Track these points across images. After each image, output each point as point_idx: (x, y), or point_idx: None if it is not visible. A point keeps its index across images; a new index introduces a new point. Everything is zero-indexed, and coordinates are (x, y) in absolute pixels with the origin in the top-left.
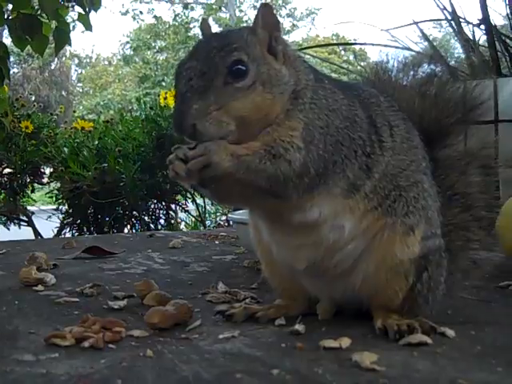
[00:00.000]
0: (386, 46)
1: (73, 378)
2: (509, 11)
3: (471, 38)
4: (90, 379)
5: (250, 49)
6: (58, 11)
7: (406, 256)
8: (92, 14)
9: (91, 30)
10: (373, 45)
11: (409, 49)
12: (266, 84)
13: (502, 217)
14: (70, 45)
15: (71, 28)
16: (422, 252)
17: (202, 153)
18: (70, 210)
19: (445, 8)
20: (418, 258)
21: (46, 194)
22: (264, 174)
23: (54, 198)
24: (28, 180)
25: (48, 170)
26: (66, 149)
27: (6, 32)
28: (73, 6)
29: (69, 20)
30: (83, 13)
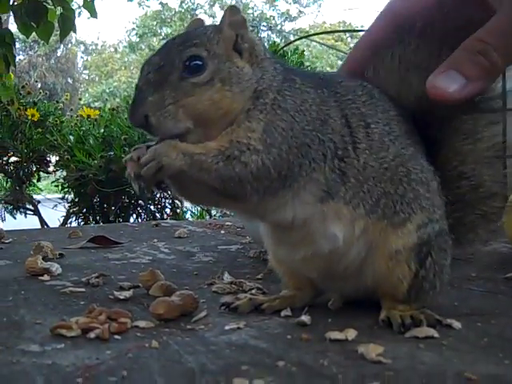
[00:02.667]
0: None
1: (79, 369)
2: None
3: None
4: (95, 370)
5: (212, 45)
6: None
7: (402, 246)
8: (97, 1)
9: (96, 17)
10: None
11: None
12: (226, 81)
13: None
14: (74, 32)
15: (77, 15)
16: (420, 239)
17: (153, 157)
18: (76, 199)
19: None
20: (416, 245)
21: (52, 182)
22: (217, 175)
23: (60, 187)
24: (34, 169)
25: (54, 159)
26: (71, 137)
27: (11, 19)
28: None
29: (74, 6)
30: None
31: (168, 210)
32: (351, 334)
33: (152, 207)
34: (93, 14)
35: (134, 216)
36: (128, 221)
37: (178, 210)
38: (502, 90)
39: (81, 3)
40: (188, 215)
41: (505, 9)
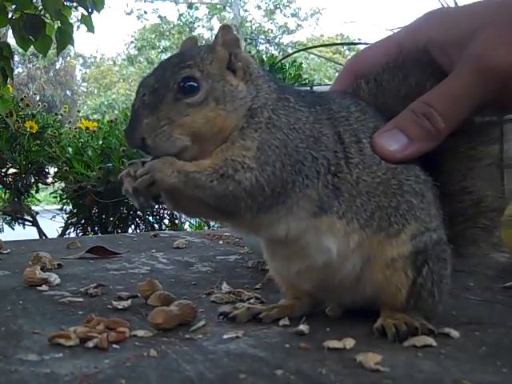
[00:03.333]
0: None
1: (77, 378)
2: None
3: None
4: (93, 379)
5: (205, 65)
6: (62, 12)
7: (397, 255)
8: (96, 14)
9: (93, 32)
10: None
11: None
12: (220, 100)
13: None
14: (72, 45)
15: (76, 28)
16: (415, 248)
17: (147, 171)
18: (75, 210)
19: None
20: (412, 253)
21: (51, 193)
22: (212, 192)
23: (59, 198)
24: (32, 180)
25: (52, 170)
26: (70, 149)
27: (10, 32)
28: (76, 7)
29: (73, 20)
30: (86, 14)
31: (166, 221)
32: (349, 342)
33: (150, 218)
34: (90, 28)
35: (133, 227)
36: (126, 231)
37: (177, 221)
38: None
39: (79, 17)
40: (186, 226)
41: (455, 74)
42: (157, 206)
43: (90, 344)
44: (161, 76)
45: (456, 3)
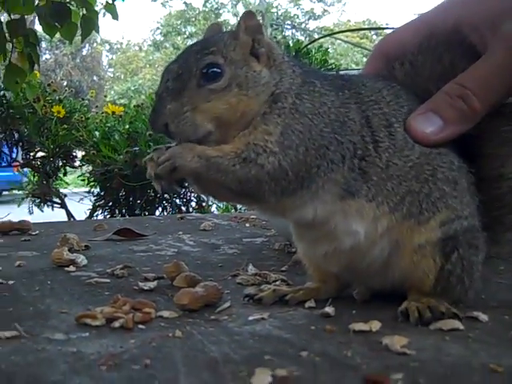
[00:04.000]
0: None
1: (102, 357)
2: None
3: None
4: (119, 358)
5: (228, 52)
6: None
7: (425, 241)
8: (121, 2)
9: (117, 19)
10: None
11: None
12: (243, 85)
13: None
14: (97, 32)
15: (101, 15)
16: (444, 234)
17: (168, 157)
18: (102, 193)
19: None
20: (440, 239)
21: (78, 177)
22: (234, 177)
23: (86, 181)
24: (60, 163)
25: (80, 154)
26: (97, 133)
27: (37, 19)
28: None
29: (99, 7)
30: (110, 2)
31: (194, 204)
32: (375, 325)
33: (178, 201)
34: (114, 16)
35: (160, 209)
36: (154, 214)
37: (204, 204)
38: None
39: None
40: (214, 208)
41: (489, 55)
42: (183, 190)
43: (116, 324)
44: (184, 62)
45: None
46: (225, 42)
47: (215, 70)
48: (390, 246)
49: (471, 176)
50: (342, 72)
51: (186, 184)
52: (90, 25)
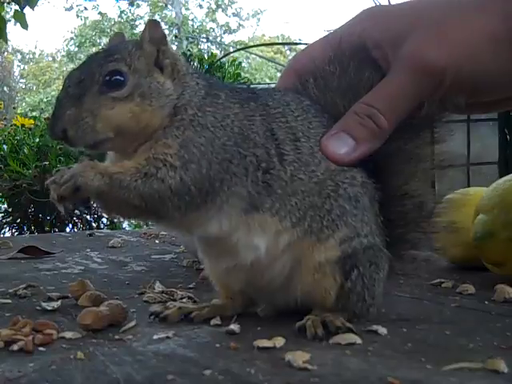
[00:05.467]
0: None
1: None
2: None
3: None
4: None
5: (132, 60)
6: None
7: (325, 259)
8: (33, 10)
9: (27, 29)
10: None
11: None
12: (146, 96)
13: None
14: (5, 41)
15: (13, 23)
16: (343, 253)
17: (70, 177)
18: (10, 209)
19: None
20: (340, 258)
21: None
22: (137, 193)
23: None
24: None
25: None
26: (5, 146)
27: None
28: (9, 2)
29: (9, 16)
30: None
31: (105, 220)
32: (280, 341)
33: (88, 217)
34: (23, 25)
35: (70, 226)
36: (64, 231)
37: (116, 220)
38: None
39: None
40: (125, 225)
41: (392, 75)
42: (95, 205)
43: (15, 347)
44: (87, 68)
45: (389, 2)
46: (129, 51)
47: (118, 77)
48: (292, 262)
49: (376, 192)
50: (251, 86)
51: (92, 202)
52: None
